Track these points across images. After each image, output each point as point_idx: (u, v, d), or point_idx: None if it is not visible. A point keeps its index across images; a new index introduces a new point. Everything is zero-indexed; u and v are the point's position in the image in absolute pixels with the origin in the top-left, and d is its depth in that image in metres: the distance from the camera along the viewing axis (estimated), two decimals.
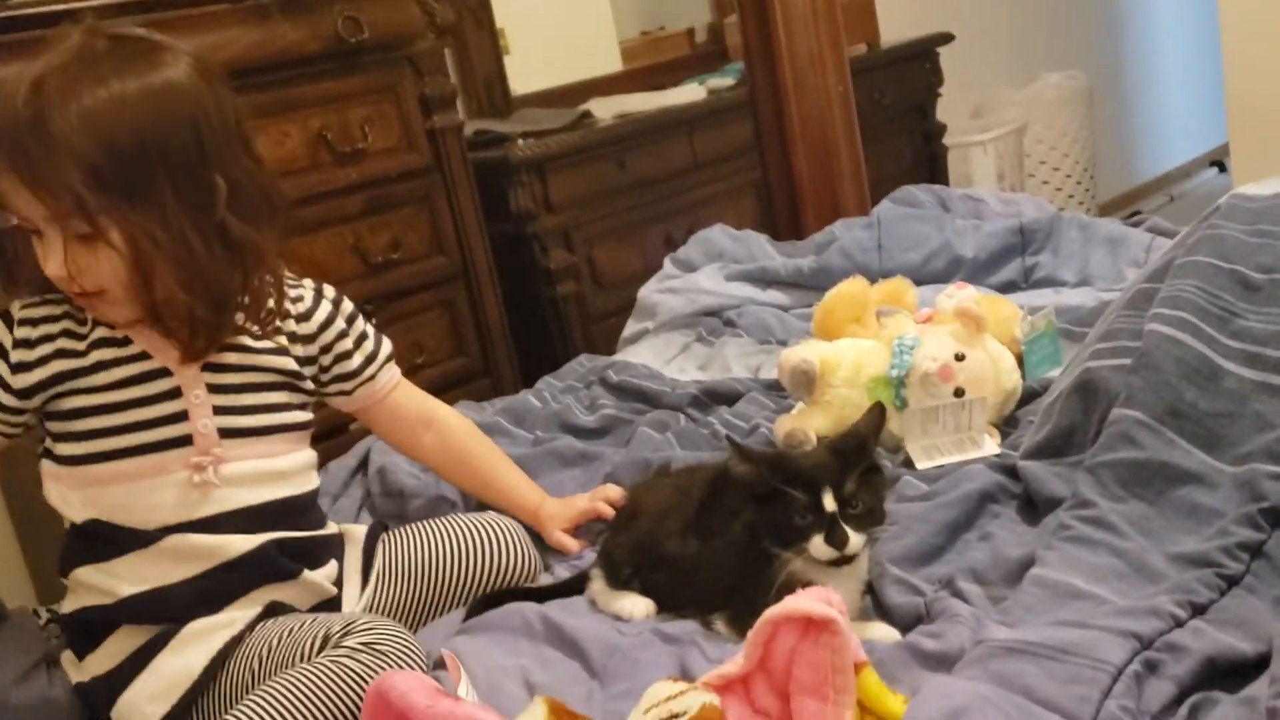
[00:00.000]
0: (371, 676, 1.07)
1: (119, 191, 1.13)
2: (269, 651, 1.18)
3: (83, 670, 1.24)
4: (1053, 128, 4.24)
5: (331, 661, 1.10)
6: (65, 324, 1.23)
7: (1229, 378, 1.19)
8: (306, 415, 1.35)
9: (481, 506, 1.51)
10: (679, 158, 3.06)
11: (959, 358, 1.45)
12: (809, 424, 1.50)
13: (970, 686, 0.89)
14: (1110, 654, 0.94)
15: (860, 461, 1.13)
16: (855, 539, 1.09)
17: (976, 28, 4.14)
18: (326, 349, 1.36)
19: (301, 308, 1.34)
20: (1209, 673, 0.94)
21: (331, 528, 1.37)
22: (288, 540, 1.28)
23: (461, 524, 1.41)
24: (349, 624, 1.15)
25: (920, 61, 3.69)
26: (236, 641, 1.21)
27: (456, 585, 1.38)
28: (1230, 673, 0.94)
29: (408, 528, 1.43)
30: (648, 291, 2.24)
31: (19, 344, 1.22)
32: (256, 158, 1.27)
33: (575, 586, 1.31)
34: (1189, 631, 0.98)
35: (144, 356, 1.24)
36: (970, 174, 3.88)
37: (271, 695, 1.09)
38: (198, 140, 1.17)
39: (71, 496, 1.25)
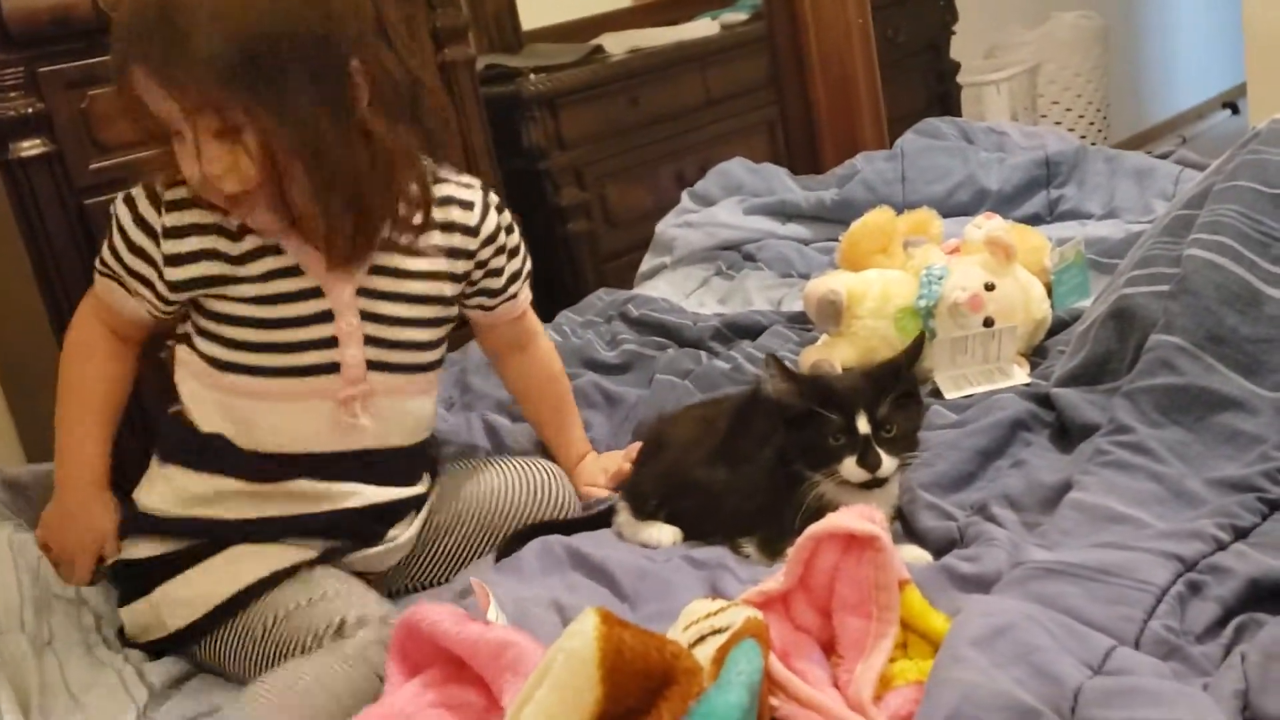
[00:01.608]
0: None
1: (250, 84, 1.07)
2: (284, 615, 1.16)
3: (128, 548, 1.23)
4: (1066, 68, 4.19)
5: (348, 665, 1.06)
6: (217, 218, 1.18)
7: (1270, 303, 1.17)
8: (441, 353, 1.32)
9: (499, 450, 1.51)
10: (692, 94, 3.02)
11: (989, 287, 1.43)
12: (835, 355, 1.49)
13: (1013, 604, 0.88)
14: (1153, 575, 0.93)
15: (895, 386, 1.12)
16: (888, 462, 1.09)
17: None
18: (482, 265, 1.31)
19: (471, 219, 1.28)
20: (1253, 594, 0.93)
21: (423, 484, 1.34)
22: (384, 504, 1.26)
23: (505, 466, 1.39)
24: (361, 615, 1.13)
25: None
26: (268, 584, 1.18)
27: (501, 525, 1.35)
28: (1274, 594, 0.93)
29: (452, 469, 1.41)
30: (665, 226, 2.22)
31: (169, 233, 1.18)
32: (402, 49, 1.18)
33: (601, 520, 1.30)
34: (1231, 554, 0.97)
35: (297, 272, 1.19)
36: (983, 113, 3.84)
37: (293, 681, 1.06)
38: (330, 30, 1.10)
39: (205, 396, 1.22)
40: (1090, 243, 1.69)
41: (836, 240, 1.80)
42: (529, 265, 1.39)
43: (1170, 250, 1.27)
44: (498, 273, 1.33)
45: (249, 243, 1.19)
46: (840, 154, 2.50)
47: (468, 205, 1.28)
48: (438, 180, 1.26)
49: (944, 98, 3.69)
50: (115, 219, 1.21)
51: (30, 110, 1.97)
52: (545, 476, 1.38)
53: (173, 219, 1.19)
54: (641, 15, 3.37)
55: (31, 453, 2.22)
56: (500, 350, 1.46)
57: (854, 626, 0.86)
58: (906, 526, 1.16)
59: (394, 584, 1.33)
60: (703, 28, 3.11)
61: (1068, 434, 1.26)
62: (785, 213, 2.17)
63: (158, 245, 1.19)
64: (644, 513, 1.24)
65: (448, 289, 1.29)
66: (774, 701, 0.80)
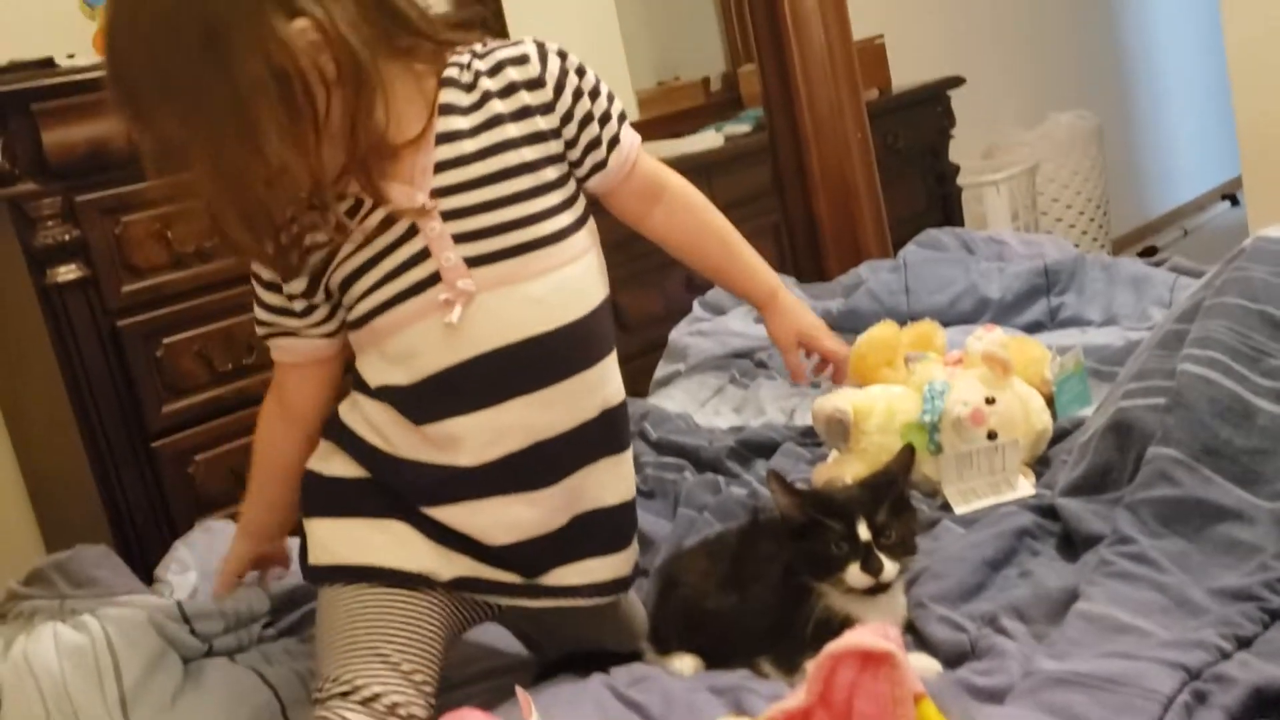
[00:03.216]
0: None
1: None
2: (349, 622, 1.16)
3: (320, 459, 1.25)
4: (1064, 166, 4.29)
5: None
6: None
7: (1262, 415, 1.22)
8: (572, 216, 1.20)
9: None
10: None
11: (989, 401, 1.48)
12: (846, 472, 1.52)
13: (1026, 715, 0.91)
14: (1160, 684, 0.96)
15: (891, 493, 1.17)
16: (890, 566, 1.13)
17: (986, 70, 4.20)
18: (569, 117, 1.20)
19: (531, 71, 1.18)
20: (1257, 703, 0.96)
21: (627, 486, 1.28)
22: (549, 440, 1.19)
23: None
24: (397, 703, 1.11)
25: (932, 105, 3.75)
26: (372, 575, 1.17)
27: None
28: (1278, 702, 0.97)
29: None
30: (678, 334, 2.28)
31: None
32: None
33: (632, 656, 1.33)
34: (1235, 663, 1.00)
35: (369, 208, 1.15)
36: (984, 214, 3.92)
37: None
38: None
39: (366, 361, 1.21)
40: (1090, 350, 1.74)
41: None
42: (620, 104, 1.26)
43: (1164, 364, 1.32)
44: (588, 119, 1.21)
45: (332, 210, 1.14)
46: (845, 260, 2.58)
47: (521, 60, 1.19)
48: (484, 53, 1.19)
49: (945, 199, 3.78)
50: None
51: (67, 237, 2.06)
52: None
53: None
54: (649, 128, 3.48)
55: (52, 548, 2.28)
56: (640, 212, 1.32)
57: None
58: (918, 638, 1.20)
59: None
60: (707, 140, 3.22)
61: (1073, 543, 1.30)
62: None
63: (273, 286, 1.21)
64: (666, 649, 1.28)
65: (538, 152, 1.18)
66: None
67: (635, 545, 1.32)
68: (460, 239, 1.15)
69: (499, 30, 3.13)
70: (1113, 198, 4.51)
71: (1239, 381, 1.25)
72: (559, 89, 1.19)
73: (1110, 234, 4.50)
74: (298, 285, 1.19)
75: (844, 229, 2.72)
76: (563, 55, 1.21)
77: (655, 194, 1.31)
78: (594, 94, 1.22)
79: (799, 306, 1.43)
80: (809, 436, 1.76)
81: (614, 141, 1.24)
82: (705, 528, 1.56)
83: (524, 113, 1.18)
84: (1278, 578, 1.11)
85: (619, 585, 1.29)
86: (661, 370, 2.28)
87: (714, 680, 1.16)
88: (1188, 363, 1.28)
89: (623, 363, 2.88)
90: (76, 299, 2.09)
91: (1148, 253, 4.58)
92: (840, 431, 1.54)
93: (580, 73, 1.22)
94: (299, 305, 1.21)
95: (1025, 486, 1.44)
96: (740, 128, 3.31)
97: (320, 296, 1.21)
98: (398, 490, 1.20)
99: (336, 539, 1.20)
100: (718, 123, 3.43)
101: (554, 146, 1.20)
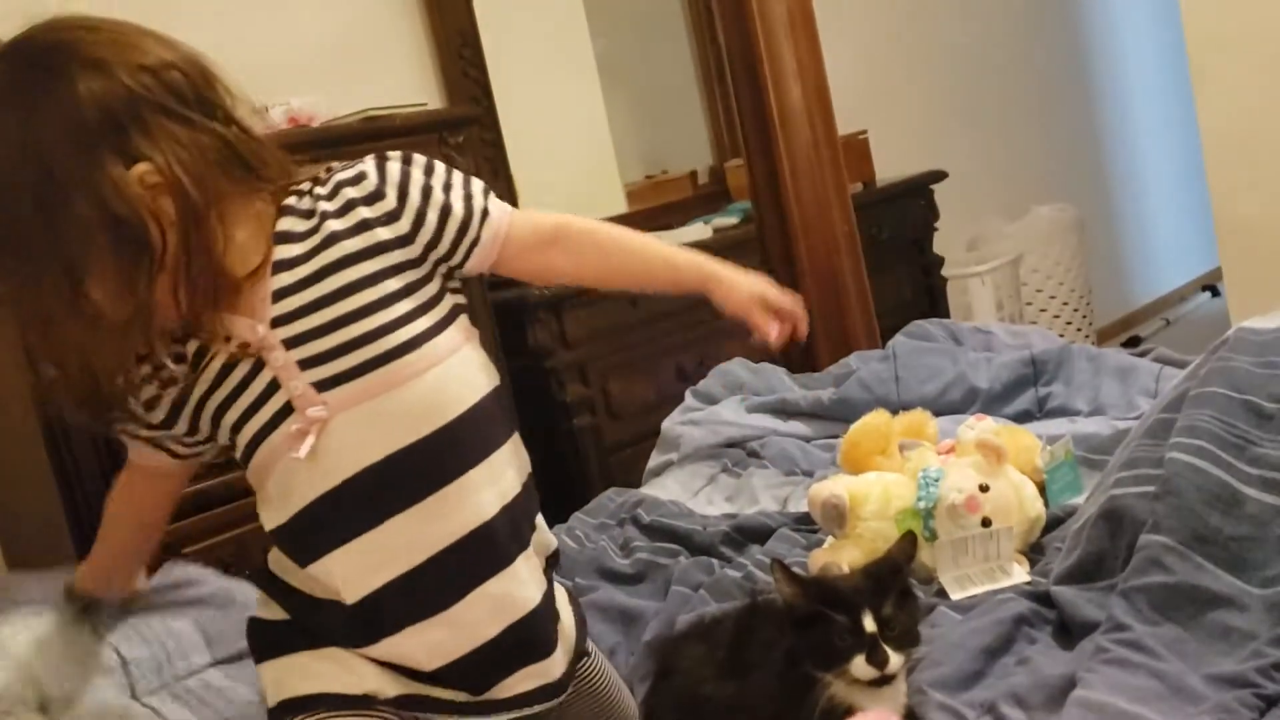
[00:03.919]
0: None
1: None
2: None
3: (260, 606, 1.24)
4: (1047, 258, 4.36)
5: None
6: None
7: (1250, 503, 1.24)
8: (437, 315, 1.17)
9: None
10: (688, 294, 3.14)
11: (983, 488, 1.50)
12: (842, 557, 1.54)
13: None
14: None
15: (895, 584, 1.17)
16: (895, 659, 1.13)
17: (969, 163, 4.29)
18: (421, 214, 1.16)
19: (369, 186, 1.15)
20: None
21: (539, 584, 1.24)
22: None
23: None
24: None
25: (915, 198, 3.82)
26: (316, 704, 1.15)
27: None
28: None
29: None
30: (671, 424, 2.30)
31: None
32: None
33: None
34: None
35: (210, 345, 1.14)
36: (970, 304, 3.98)
37: None
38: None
39: (259, 506, 1.19)
40: (1079, 439, 1.77)
41: (837, 437, 1.88)
42: (480, 183, 1.22)
43: (1153, 452, 1.35)
44: (447, 210, 1.17)
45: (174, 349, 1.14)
46: (834, 351, 2.61)
47: (359, 178, 1.16)
48: (325, 179, 1.17)
49: (930, 290, 3.83)
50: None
51: None
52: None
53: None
54: (638, 221, 3.54)
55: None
56: (542, 263, 1.27)
57: None
58: None
59: None
60: (695, 232, 3.27)
61: (1069, 630, 1.31)
62: (786, 410, 2.26)
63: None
64: None
65: (381, 263, 1.15)
66: None
67: (569, 633, 1.29)
68: (306, 364, 1.12)
69: (492, 126, 3.21)
70: (1095, 288, 4.58)
71: (1226, 470, 1.27)
72: (403, 195, 1.16)
73: (1094, 324, 4.56)
74: (155, 415, 1.17)
75: (833, 319, 2.76)
76: (406, 159, 1.18)
77: (549, 241, 1.25)
78: (446, 186, 1.18)
79: (738, 272, 1.34)
80: (803, 523, 1.77)
81: (484, 215, 1.20)
82: (700, 605, 1.57)
83: (362, 227, 1.14)
84: (1272, 664, 1.12)
85: (566, 682, 1.27)
86: (654, 460, 2.29)
87: None
88: (1176, 451, 1.30)
89: (613, 451, 2.93)
90: None
91: (1131, 342, 4.64)
92: (836, 517, 1.55)
93: (428, 170, 1.18)
94: (155, 420, 1.18)
95: (1020, 573, 1.46)
96: (728, 220, 3.37)
97: (183, 427, 1.18)
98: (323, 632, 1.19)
99: (286, 675, 1.19)
100: (705, 215, 3.49)
101: (402, 254, 1.16)
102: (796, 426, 2.22)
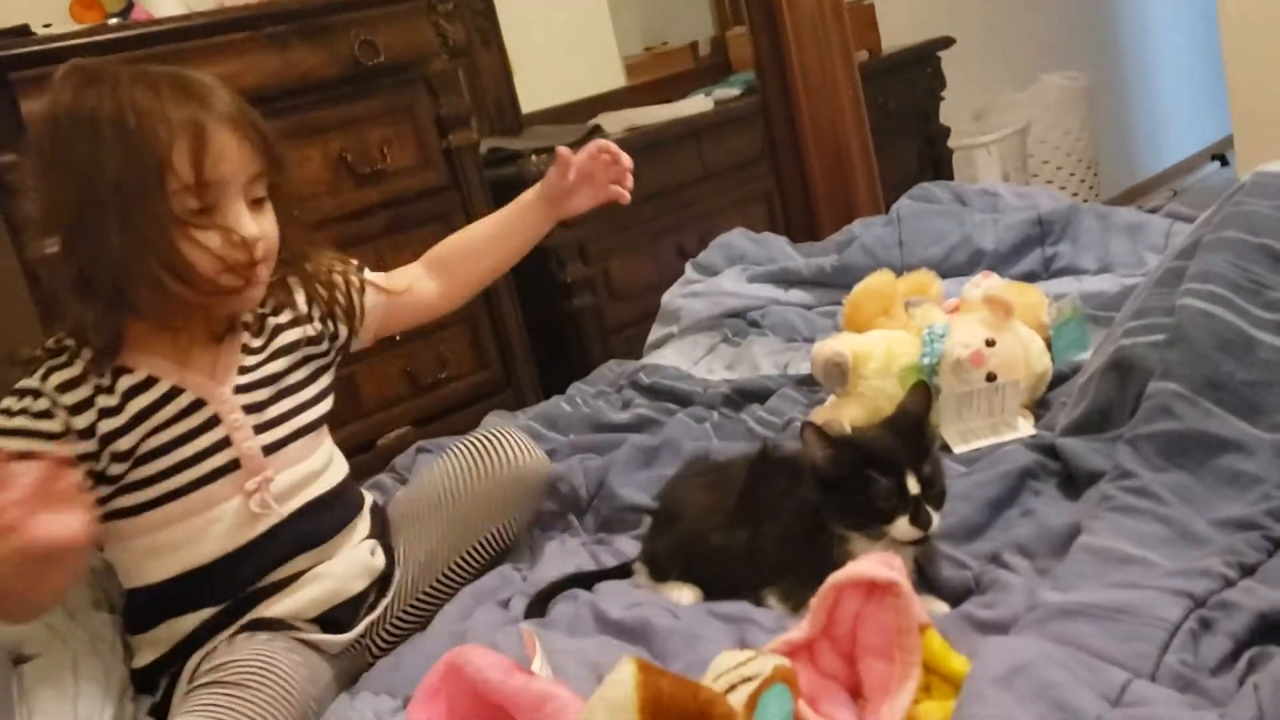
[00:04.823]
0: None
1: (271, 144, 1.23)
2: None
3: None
4: (1055, 128, 4.28)
5: None
6: (93, 381, 1.19)
7: (1263, 348, 1.21)
8: (329, 401, 1.37)
9: None
10: (689, 169, 3.09)
11: (990, 343, 1.47)
12: (843, 415, 1.52)
13: (1031, 643, 0.91)
14: (1166, 612, 0.96)
15: (928, 441, 1.15)
16: (935, 519, 1.11)
17: (976, 31, 4.18)
18: (325, 318, 1.38)
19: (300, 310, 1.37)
20: (1262, 628, 0.96)
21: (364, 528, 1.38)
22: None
23: (459, 448, 1.42)
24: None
25: (922, 66, 3.73)
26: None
27: (470, 514, 1.39)
28: None
29: (411, 481, 1.45)
30: (671, 296, 2.27)
31: (75, 409, 1.18)
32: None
33: (622, 572, 1.33)
34: (1240, 590, 1.00)
35: (176, 393, 1.23)
36: (975, 175, 3.91)
37: None
38: None
39: (137, 547, 1.25)
40: (1086, 297, 1.73)
41: (839, 305, 1.85)
42: (355, 261, 1.45)
43: (1164, 301, 1.31)
44: (334, 303, 1.39)
45: (121, 383, 1.20)
46: (837, 221, 2.56)
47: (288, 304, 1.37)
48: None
49: (936, 162, 3.77)
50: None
51: None
52: (504, 444, 1.40)
53: (70, 398, 1.19)
54: (637, 95, 3.46)
55: None
56: (433, 292, 1.51)
57: (878, 670, 0.89)
58: (923, 576, 1.19)
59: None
60: (697, 104, 3.20)
61: (1074, 482, 1.29)
62: (787, 280, 2.22)
63: (75, 433, 1.19)
64: (663, 578, 1.27)
65: (308, 351, 1.36)
66: None
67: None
68: (259, 429, 1.27)
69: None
70: (1102, 159, 4.50)
71: (1240, 315, 1.24)
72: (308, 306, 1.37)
73: (1100, 195, 4.49)
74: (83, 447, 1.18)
75: (837, 189, 2.71)
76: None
77: (425, 276, 1.51)
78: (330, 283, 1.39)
79: (546, 183, 1.55)
80: (804, 384, 1.75)
81: (360, 290, 1.41)
82: (704, 438, 1.57)
83: (295, 322, 1.35)
84: None
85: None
86: (655, 333, 2.27)
87: (715, 608, 1.15)
88: (1188, 297, 1.27)
89: (614, 331, 2.90)
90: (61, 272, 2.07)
91: None
92: (838, 375, 1.53)
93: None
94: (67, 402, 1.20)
95: (1025, 427, 1.44)
96: (730, 91, 3.29)
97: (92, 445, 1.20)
98: None
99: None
100: (706, 87, 3.41)
101: (318, 345, 1.37)
102: (798, 295, 2.19)
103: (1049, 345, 1.57)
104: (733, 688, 0.83)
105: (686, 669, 1.02)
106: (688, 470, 1.43)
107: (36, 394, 1.18)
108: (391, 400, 2.44)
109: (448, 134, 2.52)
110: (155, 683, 1.26)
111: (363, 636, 1.33)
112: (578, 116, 3.22)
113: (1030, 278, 1.97)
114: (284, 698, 1.16)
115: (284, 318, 1.34)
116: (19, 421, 1.17)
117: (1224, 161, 5.34)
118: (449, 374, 2.52)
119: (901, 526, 1.10)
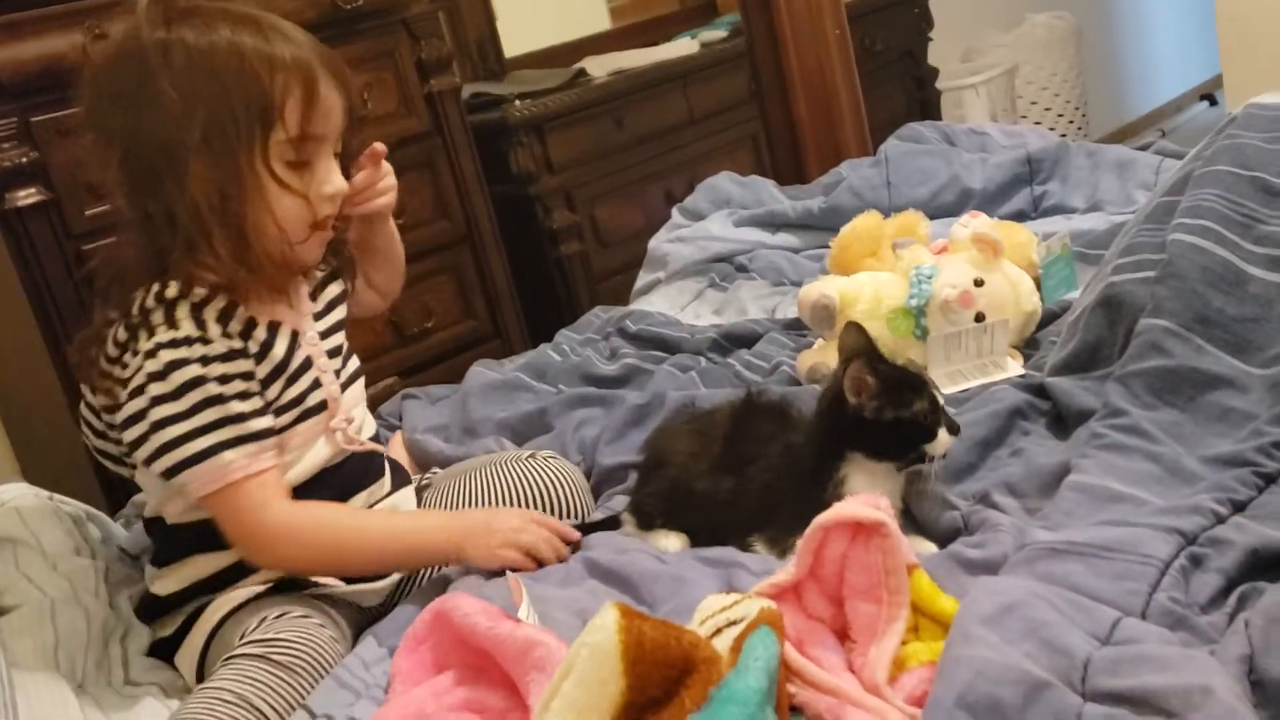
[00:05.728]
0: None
1: None
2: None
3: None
4: (1043, 68, 4.24)
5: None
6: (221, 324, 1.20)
7: (1254, 282, 1.20)
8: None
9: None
10: (675, 113, 3.06)
11: (978, 283, 1.46)
12: (830, 358, 1.51)
13: (1020, 583, 0.90)
14: (1155, 549, 0.95)
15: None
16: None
17: None
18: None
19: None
20: (1253, 564, 0.95)
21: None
22: None
23: (506, 469, 1.39)
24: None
25: (909, 7, 3.68)
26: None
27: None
28: (1274, 563, 0.96)
29: (456, 477, 1.42)
30: (657, 242, 2.24)
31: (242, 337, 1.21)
32: None
33: (611, 524, 1.32)
34: (1231, 526, 0.99)
35: (280, 334, 1.23)
36: (964, 117, 3.88)
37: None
38: None
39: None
40: (1075, 235, 1.72)
41: (826, 247, 1.83)
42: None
43: (1154, 237, 1.30)
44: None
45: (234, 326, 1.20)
46: (824, 164, 2.54)
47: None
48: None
49: (924, 103, 3.73)
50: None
51: (25, 160, 1.99)
52: (550, 479, 1.39)
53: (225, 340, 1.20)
54: (622, 37, 3.41)
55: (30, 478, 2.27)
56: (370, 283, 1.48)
57: (865, 612, 0.88)
58: (911, 517, 1.19)
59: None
60: (683, 47, 3.15)
61: (1064, 421, 1.28)
62: (774, 223, 2.20)
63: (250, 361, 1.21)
64: (649, 527, 1.26)
65: (342, 287, 1.40)
66: (791, 688, 0.82)
67: None
68: (336, 373, 1.30)
69: None
70: (1090, 99, 4.46)
71: (1231, 249, 1.23)
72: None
73: (1089, 136, 4.45)
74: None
75: (824, 131, 2.68)
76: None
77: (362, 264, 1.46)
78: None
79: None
80: (792, 328, 1.73)
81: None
82: (690, 386, 1.57)
83: (333, 275, 1.37)
84: (1272, 443, 1.09)
85: None
86: (642, 279, 2.24)
87: (702, 554, 1.15)
88: (1178, 232, 1.25)
89: (604, 278, 2.87)
90: (38, 223, 2.02)
91: None
92: (826, 318, 1.51)
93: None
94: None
95: (1013, 367, 1.42)
96: (715, 34, 3.24)
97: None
98: None
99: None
100: (692, 30, 3.36)
101: (344, 300, 1.39)
102: (786, 238, 2.17)
103: (1038, 284, 1.56)
104: (719, 631, 0.82)
105: (673, 613, 1.01)
106: (674, 418, 1.42)
107: (201, 323, 1.16)
108: (378, 350, 2.42)
109: (429, 79, 2.48)
110: (166, 613, 1.25)
111: (392, 593, 1.33)
112: (562, 60, 3.17)
113: (1019, 217, 1.95)
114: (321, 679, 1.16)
115: (323, 271, 1.36)
116: (218, 347, 1.16)
117: (1213, 101, 5.31)
118: (435, 323, 2.50)
119: (943, 438, 1.15)
